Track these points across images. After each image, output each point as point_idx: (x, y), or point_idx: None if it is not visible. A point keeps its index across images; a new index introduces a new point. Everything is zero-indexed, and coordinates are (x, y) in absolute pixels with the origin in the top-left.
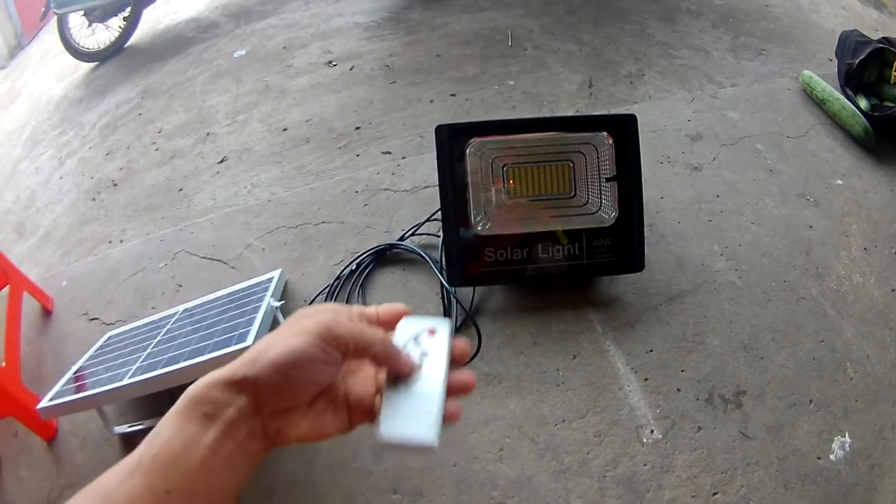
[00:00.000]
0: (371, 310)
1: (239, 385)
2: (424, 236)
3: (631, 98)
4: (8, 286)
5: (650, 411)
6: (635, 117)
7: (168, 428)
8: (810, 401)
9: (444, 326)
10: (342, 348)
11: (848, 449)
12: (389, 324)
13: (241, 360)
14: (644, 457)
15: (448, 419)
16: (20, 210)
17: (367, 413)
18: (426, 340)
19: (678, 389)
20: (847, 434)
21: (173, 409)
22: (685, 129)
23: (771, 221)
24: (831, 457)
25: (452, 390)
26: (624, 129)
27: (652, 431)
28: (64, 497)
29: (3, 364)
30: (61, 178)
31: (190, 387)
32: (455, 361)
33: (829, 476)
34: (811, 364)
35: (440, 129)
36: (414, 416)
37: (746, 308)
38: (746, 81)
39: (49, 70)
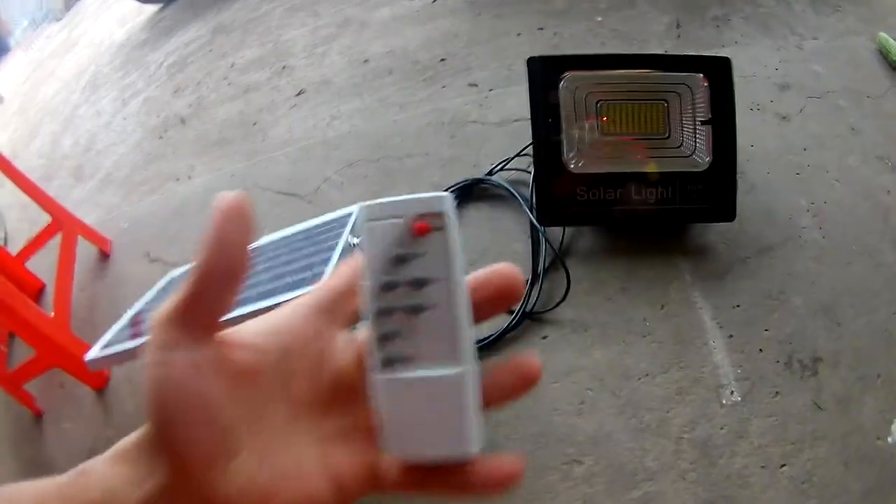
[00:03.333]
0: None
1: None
2: (514, 172)
3: (718, 42)
4: (60, 233)
5: (732, 371)
6: (730, 61)
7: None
8: (878, 375)
9: (444, 205)
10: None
11: None
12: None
13: None
14: (722, 419)
15: (493, 402)
16: (79, 154)
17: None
18: (419, 248)
19: (760, 350)
20: None
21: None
22: (773, 78)
23: (853, 182)
24: (889, 439)
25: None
26: (719, 72)
27: (732, 392)
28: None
29: (52, 314)
30: (124, 118)
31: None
32: (499, 302)
33: (884, 459)
34: (882, 336)
35: (533, 61)
36: (434, 417)
37: (829, 269)
38: (826, 36)
39: (109, 16)
